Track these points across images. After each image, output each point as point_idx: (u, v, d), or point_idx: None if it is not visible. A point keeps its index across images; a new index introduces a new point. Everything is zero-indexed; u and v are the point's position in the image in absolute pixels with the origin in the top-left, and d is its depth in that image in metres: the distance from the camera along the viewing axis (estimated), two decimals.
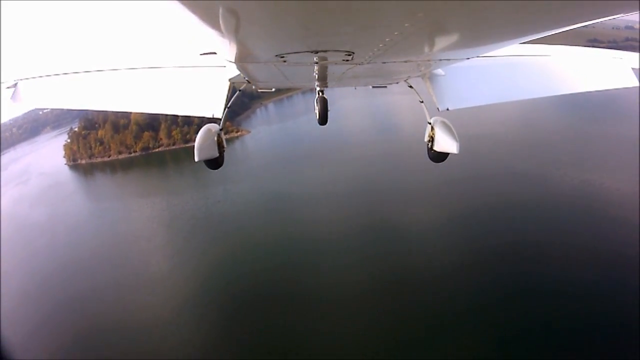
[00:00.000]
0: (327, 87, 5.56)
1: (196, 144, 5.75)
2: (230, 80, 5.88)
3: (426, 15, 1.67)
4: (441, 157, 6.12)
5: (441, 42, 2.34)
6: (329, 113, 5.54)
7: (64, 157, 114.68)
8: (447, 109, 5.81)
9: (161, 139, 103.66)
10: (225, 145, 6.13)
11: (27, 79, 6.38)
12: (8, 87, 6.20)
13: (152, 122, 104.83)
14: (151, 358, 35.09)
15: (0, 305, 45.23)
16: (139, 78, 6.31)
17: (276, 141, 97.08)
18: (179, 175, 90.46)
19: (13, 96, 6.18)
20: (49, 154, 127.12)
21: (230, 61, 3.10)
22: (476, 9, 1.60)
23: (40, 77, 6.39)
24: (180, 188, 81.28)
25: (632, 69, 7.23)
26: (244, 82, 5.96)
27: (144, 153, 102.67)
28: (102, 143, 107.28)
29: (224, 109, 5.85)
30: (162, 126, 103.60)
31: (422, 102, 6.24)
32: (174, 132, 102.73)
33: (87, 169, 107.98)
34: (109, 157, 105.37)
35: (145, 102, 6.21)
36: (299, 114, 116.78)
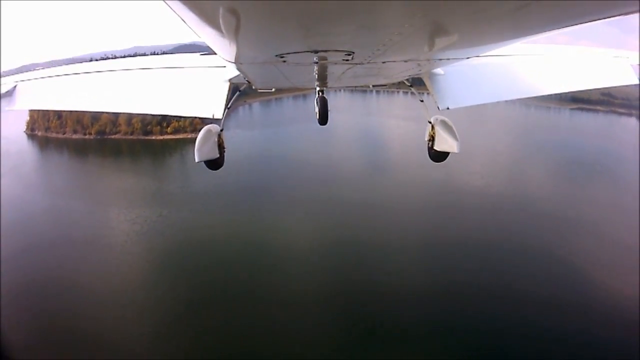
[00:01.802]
0: (327, 87, 5.71)
1: (196, 144, 5.59)
2: (230, 80, 5.81)
3: (426, 16, 1.70)
4: (442, 156, 6.17)
5: (441, 42, 2.35)
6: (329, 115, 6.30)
7: (26, 124, 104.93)
8: (448, 108, 5.76)
9: (120, 125, 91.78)
10: (225, 146, 6.00)
11: (26, 80, 6.22)
12: (7, 91, 6.03)
13: None
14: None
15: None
16: (139, 79, 6.21)
17: (252, 152, 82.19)
18: (128, 174, 77.18)
19: (12, 98, 6.08)
20: (19, 117, 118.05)
21: (230, 61, 3.11)
22: (476, 9, 1.63)
23: (39, 78, 6.25)
24: (119, 193, 67.99)
25: (632, 66, 7.14)
26: (243, 83, 6.03)
27: (98, 137, 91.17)
28: (59, 117, 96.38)
29: (224, 110, 5.76)
30: None
31: (422, 101, 6.35)
32: (134, 120, 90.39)
33: (41, 143, 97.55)
34: (63, 134, 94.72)
35: (145, 103, 6.05)
36: (286, 122, 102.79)
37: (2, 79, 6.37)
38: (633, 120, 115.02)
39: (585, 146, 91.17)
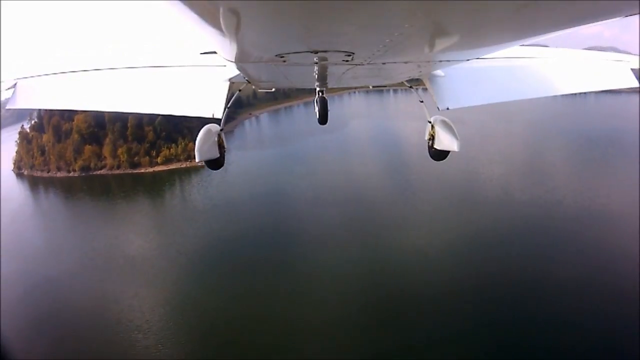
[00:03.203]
0: (327, 87, 5.78)
1: (197, 144, 5.65)
2: (230, 80, 5.81)
3: (426, 16, 1.74)
4: (442, 155, 6.31)
5: (441, 43, 2.38)
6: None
7: (13, 161, 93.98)
8: (447, 109, 5.82)
9: (105, 157, 77.89)
10: (226, 146, 6.05)
11: (26, 78, 6.16)
12: (8, 89, 5.99)
13: (97, 132, 79.14)
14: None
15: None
16: (139, 78, 6.20)
17: (261, 181, 64.34)
18: (107, 227, 61.01)
19: (12, 97, 6.04)
20: (6, 153, 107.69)
21: (230, 61, 3.17)
22: (476, 10, 1.65)
23: (39, 76, 6.20)
24: (90, 258, 52.85)
25: (632, 69, 7.30)
26: (244, 82, 6.07)
27: (83, 174, 77.72)
28: (43, 153, 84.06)
29: (224, 109, 5.75)
30: (107, 139, 77.36)
31: (422, 101, 6.49)
32: (119, 151, 75.78)
33: (31, 183, 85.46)
34: (47, 172, 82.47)
35: (145, 103, 6.06)
36: (300, 135, 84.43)
37: (2, 77, 6.07)
38: None
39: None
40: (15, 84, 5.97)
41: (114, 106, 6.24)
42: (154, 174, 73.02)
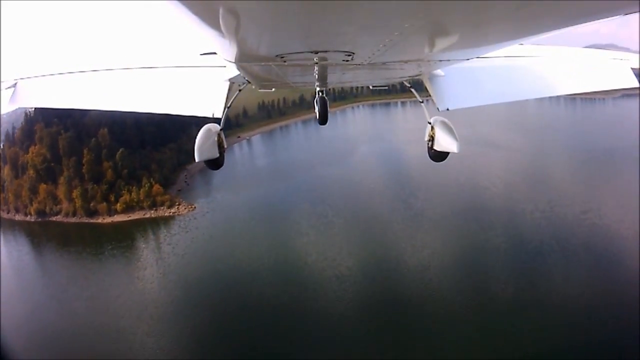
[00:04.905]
0: (327, 87, 5.83)
1: (196, 144, 5.51)
2: (230, 80, 5.80)
3: (426, 16, 1.75)
4: (441, 156, 6.28)
5: (441, 42, 2.40)
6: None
7: None
8: (447, 109, 5.82)
9: (60, 199, 63.43)
10: (225, 145, 5.98)
11: (26, 78, 6.18)
12: (8, 88, 5.93)
13: (53, 167, 64.93)
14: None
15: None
16: (139, 78, 6.24)
17: (251, 248, 47.34)
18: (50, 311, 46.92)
19: (12, 96, 5.98)
20: None
21: (230, 61, 3.19)
22: (476, 10, 1.66)
23: (40, 76, 6.24)
24: None
25: (632, 69, 7.23)
26: (244, 82, 5.96)
27: (40, 219, 64.31)
28: (2, 189, 71.56)
29: (224, 109, 5.78)
30: (62, 178, 62.89)
31: (422, 102, 6.52)
32: (74, 193, 61.12)
33: None
34: (7, 212, 69.45)
35: (145, 102, 6.09)
36: (302, 165, 66.53)
37: (2, 76, 6.05)
38: None
39: None
40: (16, 84, 5.94)
41: (115, 105, 6.14)
42: (113, 225, 57.96)
